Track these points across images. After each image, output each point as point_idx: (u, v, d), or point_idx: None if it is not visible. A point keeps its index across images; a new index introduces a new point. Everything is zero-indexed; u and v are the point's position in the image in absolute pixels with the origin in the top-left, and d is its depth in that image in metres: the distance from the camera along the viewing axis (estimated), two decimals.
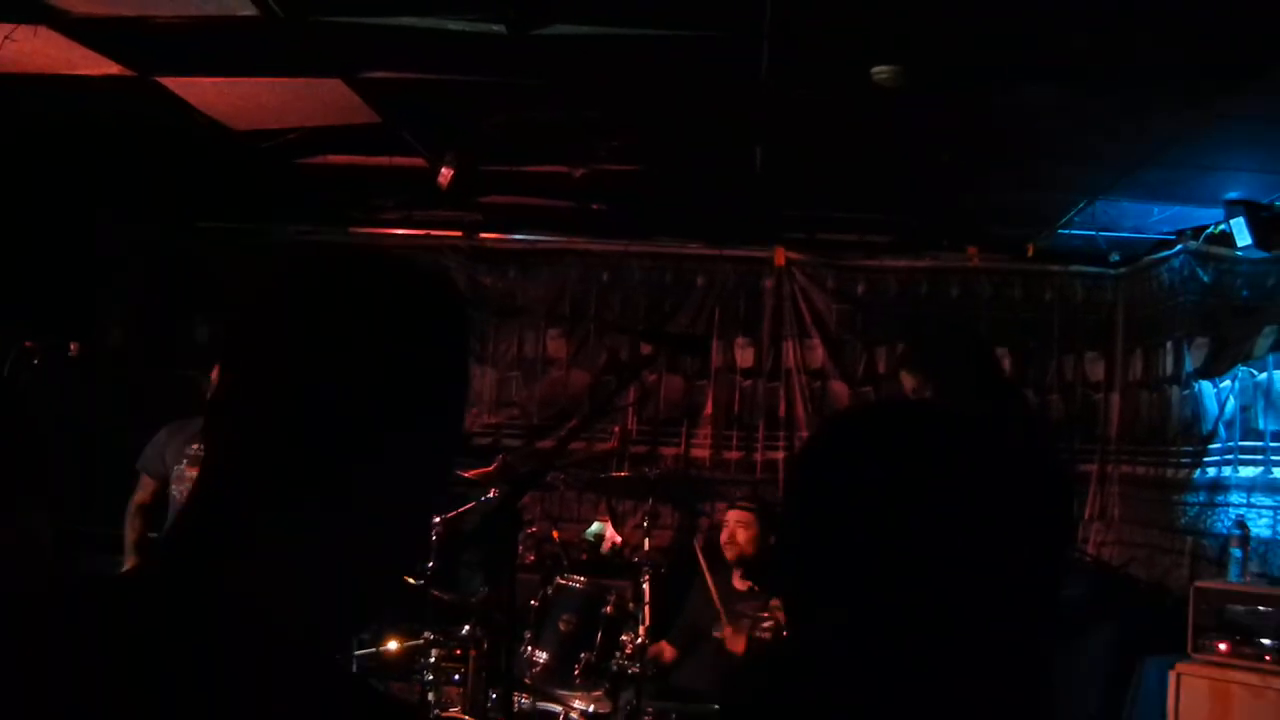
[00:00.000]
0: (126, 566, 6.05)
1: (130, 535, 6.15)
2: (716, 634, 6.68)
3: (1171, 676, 6.31)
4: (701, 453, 9.06)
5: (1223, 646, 6.15)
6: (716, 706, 6.17)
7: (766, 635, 6.48)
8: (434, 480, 1.30)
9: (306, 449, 1.20)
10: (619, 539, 8.29)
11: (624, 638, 6.01)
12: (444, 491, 1.36)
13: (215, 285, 7.98)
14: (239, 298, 1.29)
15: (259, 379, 1.23)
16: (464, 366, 1.35)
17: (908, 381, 5.01)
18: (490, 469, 6.58)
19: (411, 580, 5.79)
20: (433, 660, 5.79)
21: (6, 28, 5.14)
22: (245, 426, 1.24)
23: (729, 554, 6.95)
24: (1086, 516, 8.61)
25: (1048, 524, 1.56)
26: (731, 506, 7.19)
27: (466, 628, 5.81)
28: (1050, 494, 1.57)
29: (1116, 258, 8.53)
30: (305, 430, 1.20)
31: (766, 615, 6.46)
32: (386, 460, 1.22)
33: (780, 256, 9.07)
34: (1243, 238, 6.91)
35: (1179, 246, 7.80)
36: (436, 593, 5.87)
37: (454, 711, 5.73)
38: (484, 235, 9.20)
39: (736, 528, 6.95)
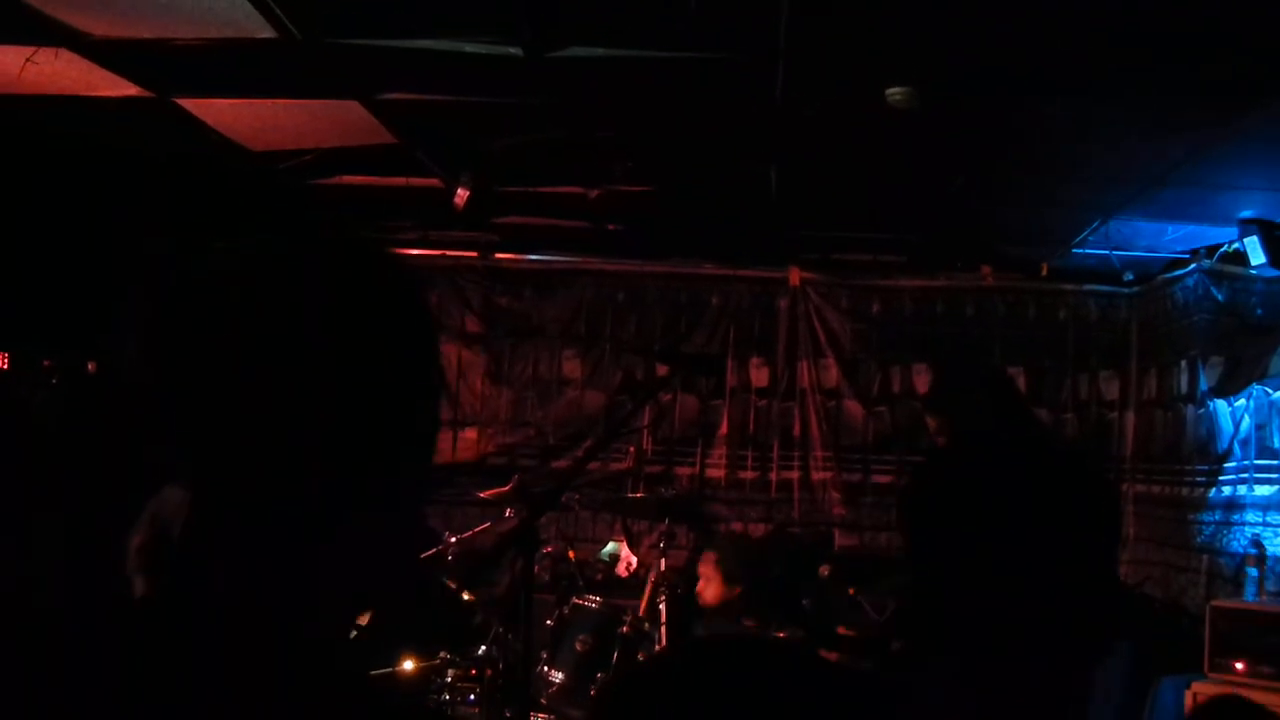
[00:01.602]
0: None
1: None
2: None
3: (1188, 695, 6.29)
4: (717, 473, 9.07)
5: (1239, 666, 6.14)
6: None
7: None
8: (413, 487, 1.29)
9: (278, 459, 1.19)
10: (634, 561, 8.29)
11: (640, 657, 6.01)
12: (422, 499, 1.34)
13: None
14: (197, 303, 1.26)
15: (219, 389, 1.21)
16: (434, 367, 1.32)
17: (931, 423, 5.03)
18: (506, 489, 6.59)
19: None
20: (449, 680, 5.80)
21: (28, 50, 5.19)
22: (221, 436, 1.22)
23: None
24: None
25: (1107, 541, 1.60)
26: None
27: (483, 648, 5.82)
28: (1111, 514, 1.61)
29: (1130, 276, 8.54)
30: (279, 440, 1.19)
31: None
32: (363, 467, 1.22)
33: (795, 276, 9.09)
34: (1257, 256, 6.92)
35: (1193, 265, 7.80)
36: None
37: None
38: (500, 255, 9.24)
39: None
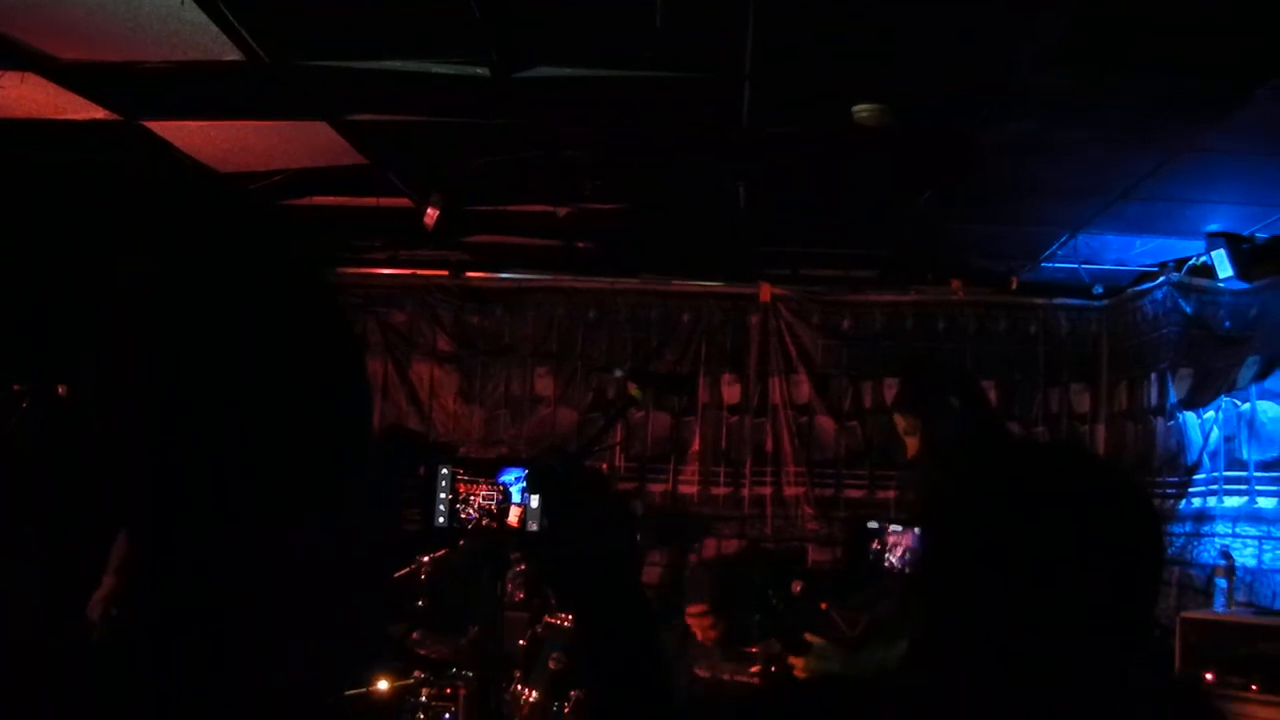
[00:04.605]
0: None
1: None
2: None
3: None
4: (689, 489, 9.06)
5: (1209, 676, 6.16)
6: None
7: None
8: (357, 497, 1.26)
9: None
10: None
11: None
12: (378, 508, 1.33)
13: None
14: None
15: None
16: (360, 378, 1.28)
17: (900, 423, 5.04)
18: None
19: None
20: (423, 700, 5.78)
21: None
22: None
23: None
24: None
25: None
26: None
27: (456, 667, 5.80)
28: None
29: (1100, 290, 8.57)
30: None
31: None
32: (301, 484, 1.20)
33: (765, 292, 9.10)
34: (1224, 269, 6.97)
35: (1161, 278, 7.84)
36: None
37: None
38: (470, 274, 9.23)
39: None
